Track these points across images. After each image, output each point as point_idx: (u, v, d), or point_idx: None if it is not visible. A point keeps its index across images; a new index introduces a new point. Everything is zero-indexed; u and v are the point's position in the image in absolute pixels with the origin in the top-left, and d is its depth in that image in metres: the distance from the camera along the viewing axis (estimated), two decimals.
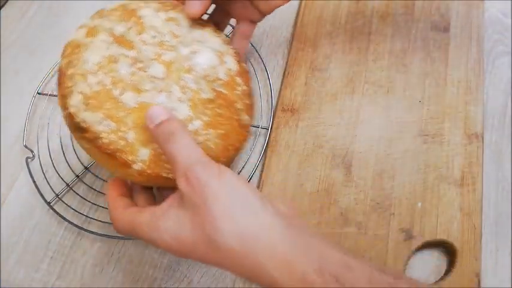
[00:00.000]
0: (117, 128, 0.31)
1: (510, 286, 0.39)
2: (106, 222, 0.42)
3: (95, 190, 0.44)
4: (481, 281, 0.37)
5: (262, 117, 0.47)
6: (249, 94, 0.37)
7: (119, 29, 0.34)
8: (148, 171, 0.32)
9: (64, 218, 0.42)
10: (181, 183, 0.28)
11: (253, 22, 0.42)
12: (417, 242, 0.39)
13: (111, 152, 0.31)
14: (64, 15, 0.55)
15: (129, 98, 0.32)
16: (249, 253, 0.25)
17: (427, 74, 0.47)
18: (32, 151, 0.45)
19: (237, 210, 0.26)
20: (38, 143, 0.46)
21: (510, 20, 0.51)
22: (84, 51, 0.33)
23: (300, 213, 0.40)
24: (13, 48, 0.53)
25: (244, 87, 0.36)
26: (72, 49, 0.34)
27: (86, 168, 0.44)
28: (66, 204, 0.43)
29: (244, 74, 0.37)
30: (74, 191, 0.43)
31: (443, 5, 0.51)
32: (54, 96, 0.49)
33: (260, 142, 0.45)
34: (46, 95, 0.49)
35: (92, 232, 0.41)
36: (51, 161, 0.45)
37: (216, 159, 0.32)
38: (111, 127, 0.31)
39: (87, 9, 0.55)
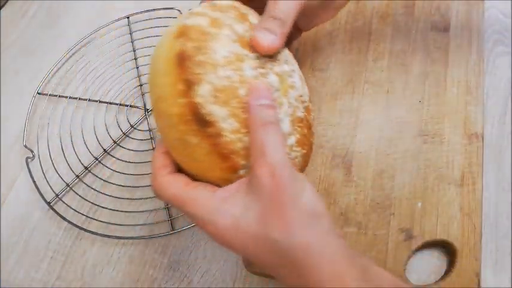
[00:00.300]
0: (238, 128, 0.29)
1: (510, 286, 0.39)
2: (106, 222, 0.42)
3: (95, 190, 0.44)
4: (481, 281, 0.37)
5: None
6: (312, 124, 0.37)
7: (238, 28, 0.32)
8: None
9: (64, 218, 0.42)
10: (264, 176, 0.26)
11: (290, 40, 0.40)
12: (417, 242, 0.39)
13: (227, 153, 0.29)
14: (64, 15, 0.55)
15: None
16: (309, 265, 0.25)
17: (427, 74, 0.47)
18: (32, 151, 0.45)
19: (310, 222, 0.26)
20: (38, 143, 0.46)
21: (510, 20, 0.51)
22: (210, 41, 0.30)
23: None
24: (13, 48, 0.53)
25: (312, 115, 0.36)
26: (199, 35, 0.30)
27: (86, 168, 0.45)
28: (66, 204, 0.43)
29: (310, 101, 0.37)
30: (74, 191, 0.43)
31: (443, 5, 0.50)
32: (54, 96, 0.49)
33: None
34: (46, 95, 0.49)
35: (92, 232, 0.41)
36: (51, 161, 0.45)
37: None
38: (233, 126, 0.29)
39: (87, 9, 0.55)
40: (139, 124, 0.47)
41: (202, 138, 0.29)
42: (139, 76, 0.49)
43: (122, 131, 0.47)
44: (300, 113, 0.34)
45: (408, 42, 0.49)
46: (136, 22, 0.53)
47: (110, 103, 0.48)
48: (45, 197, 0.43)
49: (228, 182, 0.30)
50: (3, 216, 0.43)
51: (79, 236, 0.42)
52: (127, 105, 0.48)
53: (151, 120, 0.47)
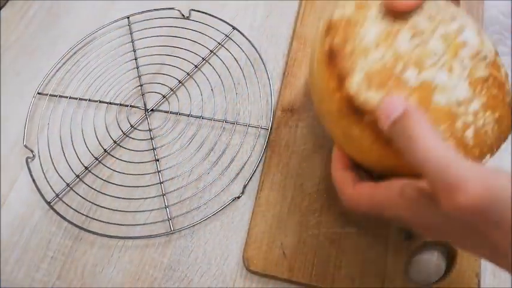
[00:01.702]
0: None
1: (510, 286, 0.39)
2: (106, 222, 0.42)
3: (95, 190, 0.44)
4: (481, 281, 0.37)
5: (262, 117, 0.47)
6: (507, 80, 0.33)
7: None
8: None
9: (64, 218, 0.42)
10: (444, 198, 0.23)
11: None
12: (417, 242, 0.39)
13: (391, 138, 0.28)
14: (64, 15, 0.55)
15: (411, 76, 0.29)
16: None
17: None
18: (32, 151, 0.45)
19: None
20: (38, 143, 0.46)
21: (510, 20, 0.51)
22: (358, 27, 0.30)
23: (300, 213, 0.41)
24: (13, 48, 0.53)
25: (504, 70, 0.33)
26: (345, 26, 0.30)
27: (86, 168, 0.45)
28: (67, 204, 0.43)
29: (497, 55, 0.34)
30: (74, 191, 0.43)
31: None
32: (54, 96, 0.49)
33: (260, 142, 0.45)
34: (46, 95, 0.49)
35: (92, 232, 0.41)
36: (52, 160, 0.45)
37: (491, 149, 0.30)
38: None
39: (88, 9, 0.55)
40: (140, 124, 0.47)
41: (363, 129, 0.29)
42: (139, 76, 0.49)
43: (122, 131, 0.47)
44: (481, 72, 0.31)
45: None
46: (136, 22, 0.53)
47: (110, 103, 0.48)
48: (45, 197, 0.43)
49: (398, 168, 0.29)
50: (4, 216, 0.43)
51: (79, 236, 0.42)
52: (127, 106, 0.48)
53: (152, 120, 0.48)
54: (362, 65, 0.29)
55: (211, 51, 0.50)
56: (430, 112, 0.29)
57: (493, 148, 0.31)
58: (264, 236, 0.40)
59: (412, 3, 0.30)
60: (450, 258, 0.39)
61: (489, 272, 0.39)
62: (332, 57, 0.30)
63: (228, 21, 0.52)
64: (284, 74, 0.48)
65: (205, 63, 0.50)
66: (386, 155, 0.29)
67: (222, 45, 0.51)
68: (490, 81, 0.31)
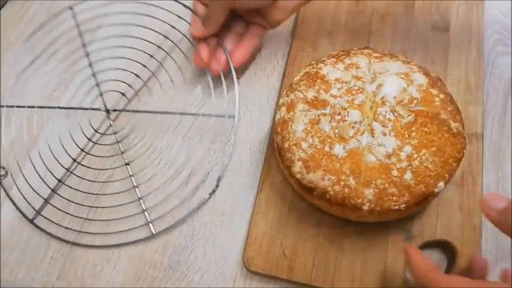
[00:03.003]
0: (337, 179, 0.35)
1: (510, 286, 0.39)
2: (94, 233, 0.42)
3: (73, 202, 0.42)
4: None
5: (262, 116, 0.47)
6: (450, 101, 0.38)
7: (310, 94, 0.38)
8: (378, 209, 0.35)
9: (50, 234, 0.41)
10: None
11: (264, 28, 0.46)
12: (417, 242, 0.39)
13: (341, 201, 0.35)
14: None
15: (338, 150, 0.35)
16: None
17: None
18: (4, 168, 0.44)
19: None
20: (7, 159, 0.44)
21: (510, 20, 0.51)
22: (290, 125, 0.37)
23: (300, 213, 0.40)
24: (13, 48, 0.53)
25: (442, 96, 0.37)
26: (282, 126, 0.38)
27: (59, 181, 0.43)
28: (49, 220, 0.42)
29: (436, 83, 0.38)
30: (53, 206, 0.42)
31: (443, 5, 0.50)
32: (11, 107, 0.45)
33: (259, 141, 0.45)
34: (3, 107, 0.45)
35: (83, 245, 0.41)
36: (24, 177, 0.43)
37: (440, 177, 0.35)
38: (333, 180, 0.35)
39: (87, 9, 0.55)
40: (103, 127, 0.45)
41: (319, 199, 0.36)
42: (94, 74, 0.46)
43: (86, 137, 0.44)
44: (405, 119, 0.36)
45: (408, 42, 0.49)
46: (81, 12, 0.49)
47: (70, 108, 0.45)
48: (26, 214, 0.42)
49: (364, 217, 0.36)
50: (3, 215, 0.43)
51: (79, 236, 0.42)
52: (86, 109, 0.45)
53: (115, 122, 0.46)
54: (299, 154, 0.36)
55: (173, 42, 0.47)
56: (365, 172, 0.35)
57: (443, 175, 0.35)
58: (264, 236, 0.40)
59: (203, 33, 0.43)
60: (450, 258, 0.39)
61: (489, 272, 0.39)
62: (279, 152, 0.38)
63: None
64: (284, 74, 0.48)
65: (166, 56, 0.47)
66: (346, 211, 0.36)
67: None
68: (418, 121, 0.35)
